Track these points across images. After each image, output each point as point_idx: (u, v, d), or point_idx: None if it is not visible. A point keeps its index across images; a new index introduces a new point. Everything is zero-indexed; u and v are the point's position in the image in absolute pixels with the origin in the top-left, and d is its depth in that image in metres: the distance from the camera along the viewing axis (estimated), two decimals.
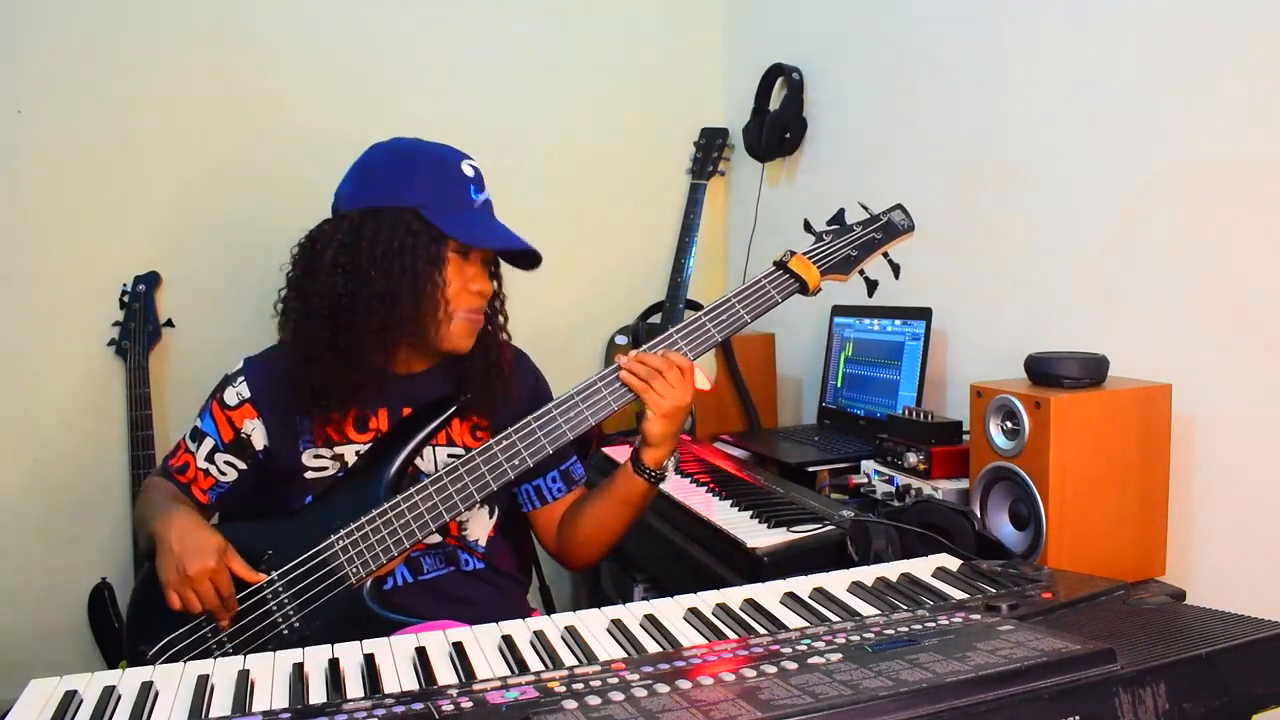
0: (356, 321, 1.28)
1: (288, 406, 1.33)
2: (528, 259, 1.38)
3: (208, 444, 1.37)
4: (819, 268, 1.30)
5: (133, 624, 1.33)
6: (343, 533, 1.24)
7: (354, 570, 1.23)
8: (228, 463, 1.37)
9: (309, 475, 1.35)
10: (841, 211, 1.37)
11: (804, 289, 1.30)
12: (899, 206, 1.38)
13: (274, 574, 1.24)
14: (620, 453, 2.13)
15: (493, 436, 1.26)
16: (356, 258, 1.27)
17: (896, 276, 1.37)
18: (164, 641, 1.25)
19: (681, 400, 1.25)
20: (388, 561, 1.24)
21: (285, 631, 1.23)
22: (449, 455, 1.37)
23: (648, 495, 1.34)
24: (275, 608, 1.24)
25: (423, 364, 1.39)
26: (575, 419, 1.25)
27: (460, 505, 1.24)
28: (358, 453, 1.34)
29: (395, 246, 1.26)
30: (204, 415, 1.38)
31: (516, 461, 1.24)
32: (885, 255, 1.36)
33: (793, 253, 1.31)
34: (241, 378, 1.37)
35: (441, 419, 1.31)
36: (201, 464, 1.37)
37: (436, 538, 1.35)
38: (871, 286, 1.38)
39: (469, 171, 1.34)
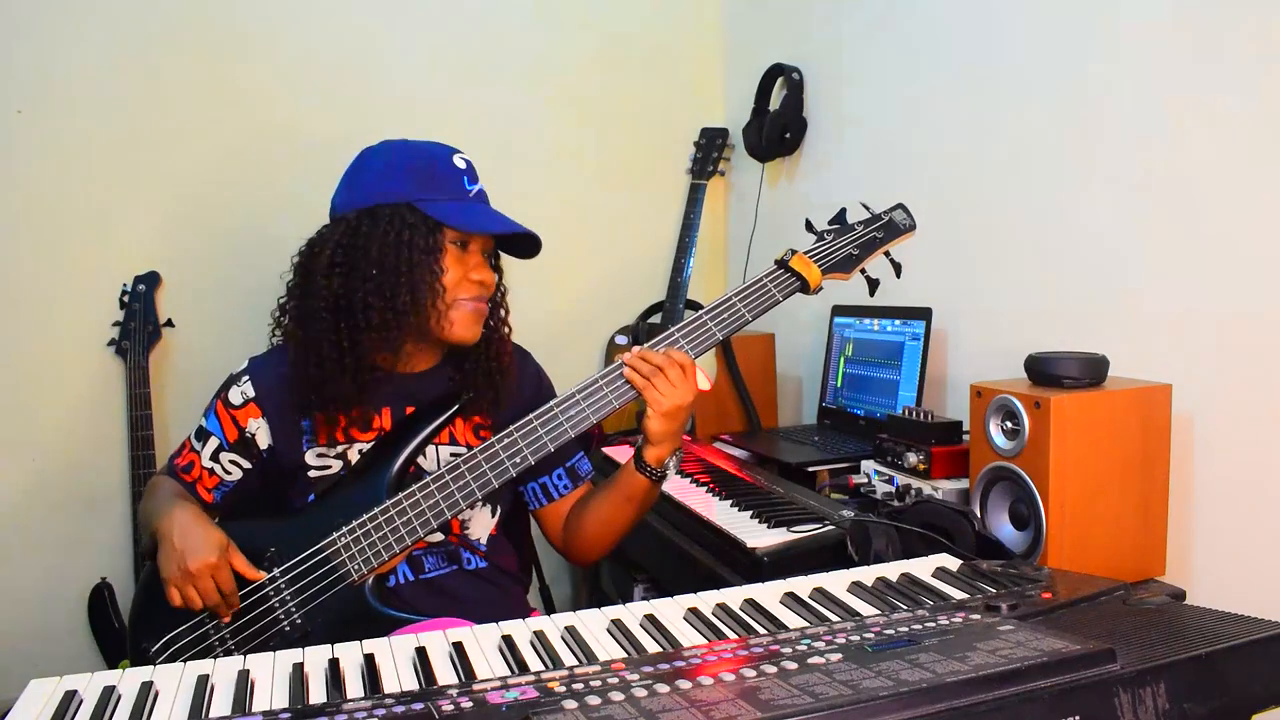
0: (358, 321, 1.28)
1: (292, 406, 1.33)
2: (527, 245, 1.38)
3: (212, 443, 1.37)
4: (820, 266, 1.31)
5: (135, 622, 1.33)
6: (344, 530, 1.24)
7: (355, 567, 1.24)
8: (232, 462, 1.37)
9: (312, 474, 1.35)
10: (843, 211, 1.37)
11: (805, 288, 1.30)
12: (900, 206, 1.38)
13: (276, 571, 1.25)
14: (620, 453, 2.13)
15: (494, 435, 1.26)
16: (354, 256, 1.29)
17: (898, 275, 1.37)
18: (166, 638, 1.26)
19: (683, 399, 1.25)
20: (389, 559, 1.25)
21: (287, 628, 1.24)
22: (451, 454, 1.37)
23: (650, 493, 1.35)
24: (278, 604, 1.24)
25: (426, 362, 1.39)
26: (577, 416, 1.25)
27: (461, 503, 1.24)
28: (361, 451, 1.34)
29: (392, 240, 1.28)
30: (209, 414, 1.38)
31: (518, 459, 1.24)
32: (887, 254, 1.37)
33: (794, 251, 1.31)
34: (246, 377, 1.37)
35: (443, 418, 1.31)
36: (206, 463, 1.37)
37: (439, 536, 1.35)
38: (873, 285, 1.38)
39: (461, 164, 1.35)
